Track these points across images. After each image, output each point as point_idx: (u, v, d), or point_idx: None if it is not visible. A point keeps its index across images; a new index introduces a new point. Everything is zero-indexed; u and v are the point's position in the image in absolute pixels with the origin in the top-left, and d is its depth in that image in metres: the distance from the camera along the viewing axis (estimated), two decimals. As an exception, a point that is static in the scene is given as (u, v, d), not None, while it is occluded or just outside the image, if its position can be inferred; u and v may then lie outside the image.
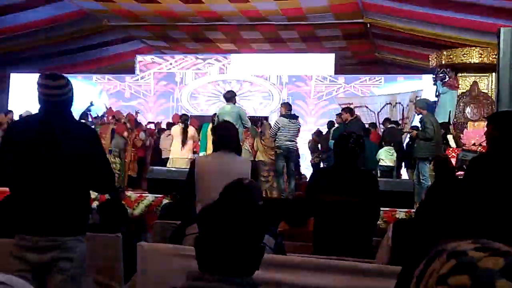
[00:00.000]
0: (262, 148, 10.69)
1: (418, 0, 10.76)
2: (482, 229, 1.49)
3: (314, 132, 13.42)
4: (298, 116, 9.88)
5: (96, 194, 6.90)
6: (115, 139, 11.16)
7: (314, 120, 15.70)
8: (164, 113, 16.44)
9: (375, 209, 4.02)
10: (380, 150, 10.80)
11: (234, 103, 9.39)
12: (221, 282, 1.55)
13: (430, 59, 12.38)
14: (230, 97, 9.39)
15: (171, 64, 17.22)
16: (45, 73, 3.17)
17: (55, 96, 3.02)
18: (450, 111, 11.10)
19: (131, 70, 17.40)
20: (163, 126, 13.40)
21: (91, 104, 13.16)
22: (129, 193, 9.05)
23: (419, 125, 9.58)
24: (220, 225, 1.59)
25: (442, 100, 11.40)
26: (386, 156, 10.64)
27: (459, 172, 8.10)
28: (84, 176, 3.03)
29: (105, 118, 12.55)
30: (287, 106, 9.82)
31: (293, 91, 16.22)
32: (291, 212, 5.22)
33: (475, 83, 11.68)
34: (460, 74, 11.77)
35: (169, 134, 11.84)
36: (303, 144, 12.82)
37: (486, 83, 11.66)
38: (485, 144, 6.50)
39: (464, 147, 9.59)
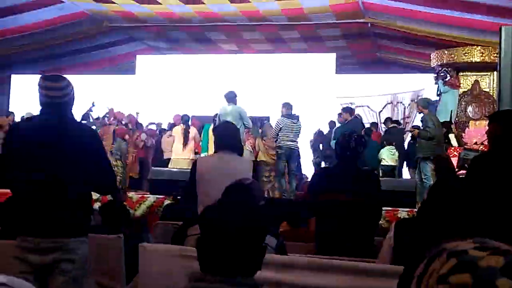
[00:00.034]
0: (264, 148, 10.69)
1: (419, -1, 10.75)
2: (484, 229, 1.49)
3: (316, 132, 13.42)
4: (299, 116, 9.88)
5: (98, 195, 6.90)
6: (116, 142, 11.17)
7: (315, 120, 15.69)
8: (165, 114, 16.42)
9: (377, 208, 4.02)
10: (382, 150, 10.81)
11: (235, 104, 9.39)
12: (222, 283, 1.55)
13: (431, 58, 12.37)
14: (231, 97, 9.39)
15: (171, 64, 17.22)
16: (46, 75, 3.17)
17: (56, 97, 3.03)
18: (451, 110, 11.10)
19: (132, 71, 17.41)
20: (164, 126, 13.40)
21: (93, 105, 13.15)
22: (130, 194, 9.06)
23: (420, 124, 9.58)
24: (221, 226, 1.59)
25: (444, 99, 11.40)
26: (387, 156, 10.65)
27: (461, 171, 8.10)
28: (86, 177, 3.03)
29: (106, 119, 12.55)
30: (288, 106, 9.82)
31: (294, 91, 16.20)
32: (293, 212, 5.22)
33: (476, 82, 11.67)
34: (461, 73, 11.76)
35: (171, 135, 11.84)
36: (304, 144, 12.81)
37: (488, 82, 11.64)
38: (486, 143, 6.49)
39: (466, 146, 9.59)
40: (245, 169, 4.10)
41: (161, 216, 7.01)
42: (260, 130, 11.21)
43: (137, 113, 13.22)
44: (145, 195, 9.00)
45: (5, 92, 17.53)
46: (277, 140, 9.63)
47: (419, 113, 9.96)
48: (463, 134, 10.32)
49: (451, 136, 10.21)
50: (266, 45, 16.55)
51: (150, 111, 15.43)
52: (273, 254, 2.95)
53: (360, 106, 14.34)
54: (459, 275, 0.82)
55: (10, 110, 15.22)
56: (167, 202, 8.22)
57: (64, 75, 3.23)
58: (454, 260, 0.84)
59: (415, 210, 7.63)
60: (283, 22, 14.20)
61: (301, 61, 16.48)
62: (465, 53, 11.58)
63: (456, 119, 11.30)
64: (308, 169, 13.07)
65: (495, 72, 10.36)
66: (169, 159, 11.47)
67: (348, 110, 10.50)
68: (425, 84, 14.52)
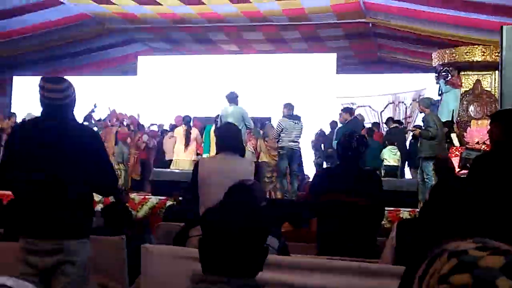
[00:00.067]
0: (266, 149, 10.69)
1: (420, -1, 10.75)
2: (485, 229, 1.49)
3: (317, 132, 13.42)
4: (300, 117, 9.88)
5: (100, 197, 6.91)
6: (118, 146, 11.17)
7: (316, 120, 15.69)
8: (166, 115, 16.44)
9: (380, 209, 4.01)
10: (384, 150, 10.81)
11: (237, 104, 9.39)
12: (224, 284, 1.55)
13: (432, 57, 12.36)
14: (232, 98, 9.39)
15: (173, 65, 17.23)
16: (47, 76, 3.17)
17: (57, 99, 3.03)
18: (453, 110, 11.09)
19: (133, 72, 17.42)
20: (166, 128, 13.41)
21: (94, 107, 13.17)
22: (133, 195, 9.07)
23: (422, 124, 9.57)
24: (223, 227, 1.59)
25: (445, 98, 11.38)
26: (389, 156, 10.64)
27: (463, 171, 8.10)
28: (87, 179, 3.03)
29: (108, 121, 12.56)
30: (289, 106, 9.82)
31: (296, 91, 16.20)
32: (295, 212, 5.22)
33: (478, 81, 11.65)
34: (463, 73, 11.74)
35: (172, 136, 11.84)
36: (306, 145, 12.81)
37: (489, 81, 11.63)
38: (488, 142, 6.48)
39: (467, 146, 9.58)
40: (247, 170, 4.10)
41: (163, 217, 7.02)
42: (261, 131, 11.21)
43: (138, 115, 13.23)
44: (147, 196, 9.01)
45: (6, 94, 17.55)
46: (278, 141, 9.64)
47: (421, 112, 9.96)
48: (465, 134, 10.31)
49: (453, 136, 10.20)
50: (267, 45, 16.55)
51: (151, 112, 15.44)
52: (275, 255, 2.95)
53: (361, 106, 14.34)
54: (459, 275, 0.82)
55: (12, 111, 15.24)
56: (169, 203, 8.23)
57: (66, 77, 3.23)
58: (455, 260, 0.85)
59: (417, 210, 7.62)
60: (284, 22, 14.20)
61: (302, 61, 16.48)
62: (467, 52, 11.56)
63: (458, 118, 11.28)
64: (309, 170, 13.07)
65: (496, 71, 10.35)
66: (170, 160, 11.48)
67: (348, 110, 10.51)
68: (426, 84, 14.51)
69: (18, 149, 3.07)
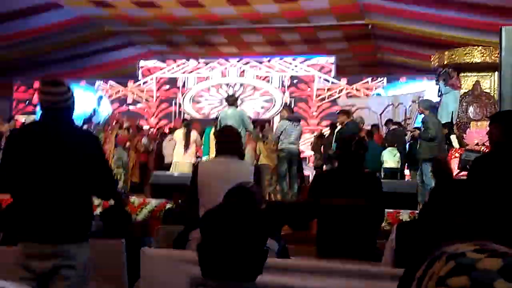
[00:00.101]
0: (265, 151, 10.69)
1: (419, 0, 10.75)
2: (486, 231, 1.49)
3: (317, 134, 13.42)
4: (300, 119, 9.88)
5: (100, 200, 6.89)
6: (117, 150, 11.17)
7: (316, 122, 15.70)
8: (166, 118, 16.47)
9: (379, 211, 4.01)
10: (383, 152, 10.79)
11: (236, 107, 9.40)
12: (224, 287, 1.54)
13: (432, 59, 12.35)
14: (232, 101, 9.40)
15: (173, 68, 17.26)
16: (47, 80, 3.17)
17: (57, 102, 3.03)
18: (452, 111, 11.08)
19: (133, 75, 17.43)
20: (166, 130, 13.41)
21: (94, 112, 13.22)
22: (132, 198, 9.05)
23: (421, 125, 9.58)
24: (222, 230, 1.59)
25: (445, 100, 11.38)
26: (389, 158, 10.63)
27: (463, 172, 8.09)
28: (86, 183, 3.03)
29: (108, 124, 12.56)
30: (289, 109, 9.83)
31: (295, 93, 16.23)
32: (294, 215, 5.21)
33: (477, 82, 11.64)
34: (462, 74, 11.73)
35: (172, 139, 11.84)
36: (306, 147, 12.83)
37: (489, 83, 11.61)
38: (488, 144, 6.48)
39: (467, 147, 9.57)
40: (247, 172, 4.10)
41: (162, 220, 7.01)
42: (260, 134, 11.21)
43: (138, 118, 13.24)
44: (147, 200, 8.99)
45: (7, 97, 17.56)
46: (278, 143, 9.64)
47: (420, 114, 9.96)
48: (464, 135, 10.30)
49: (453, 137, 10.19)
50: (267, 47, 16.57)
51: (151, 115, 15.46)
52: (275, 258, 2.95)
53: (361, 108, 14.32)
54: (457, 277, 0.82)
55: (12, 115, 15.26)
56: (168, 206, 8.22)
57: (66, 80, 3.23)
58: (453, 263, 0.85)
59: (417, 211, 7.62)
60: (284, 24, 14.22)
61: (301, 63, 16.50)
62: (466, 53, 11.55)
63: (457, 120, 11.27)
64: (309, 172, 13.07)
65: (496, 73, 10.34)
66: (170, 163, 11.47)
67: (345, 112, 10.52)
68: (426, 86, 14.51)
69: (17, 153, 3.06)
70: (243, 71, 16.65)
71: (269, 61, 16.71)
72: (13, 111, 16.73)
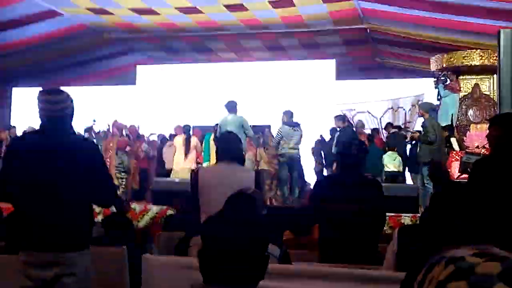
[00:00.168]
0: (266, 157, 10.70)
1: (417, 4, 10.76)
2: (486, 235, 1.49)
3: (317, 139, 13.41)
4: (300, 124, 9.89)
5: (100, 208, 6.89)
6: (117, 155, 11.18)
7: (316, 127, 15.69)
8: (166, 124, 16.46)
9: (381, 216, 4.01)
10: (384, 156, 10.80)
11: (236, 113, 9.40)
12: (225, 293, 1.54)
13: (431, 62, 12.38)
14: (231, 107, 9.40)
15: (172, 74, 17.27)
16: (45, 89, 3.18)
17: (55, 111, 3.03)
18: (452, 114, 11.10)
19: (132, 82, 17.45)
20: (166, 137, 13.40)
21: (94, 122, 13.26)
22: (133, 205, 9.05)
23: (421, 129, 9.59)
24: (223, 236, 1.59)
25: (444, 103, 11.40)
26: (388, 161, 10.63)
27: (463, 175, 8.09)
28: (86, 191, 3.03)
29: (110, 131, 12.56)
30: (289, 114, 9.84)
31: (295, 98, 16.22)
32: (296, 220, 5.21)
33: (476, 85, 11.66)
34: (461, 77, 11.76)
35: (172, 145, 11.84)
36: (306, 152, 12.80)
37: (488, 85, 11.64)
38: (488, 146, 6.49)
39: (467, 150, 9.58)
40: (247, 178, 4.10)
41: (163, 227, 7.01)
42: (261, 140, 11.22)
43: (138, 126, 13.24)
44: (148, 206, 8.99)
45: (6, 106, 17.57)
46: (278, 148, 9.64)
47: (420, 116, 9.98)
48: (465, 138, 10.32)
49: (453, 140, 10.20)
50: (266, 53, 16.59)
51: (151, 122, 15.46)
52: (276, 264, 2.94)
53: (361, 112, 14.34)
54: (456, 282, 0.82)
55: (11, 123, 15.27)
56: (169, 212, 8.22)
57: (65, 88, 3.23)
58: (452, 267, 0.85)
59: (418, 215, 7.61)
60: (282, 29, 14.25)
61: (301, 68, 16.52)
62: (465, 56, 11.58)
63: (457, 123, 11.29)
64: (310, 177, 13.06)
65: (495, 75, 10.37)
66: (170, 170, 11.47)
67: (341, 118, 10.54)
68: (425, 89, 14.53)
69: (17, 162, 3.06)
70: (243, 76, 16.65)
71: (268, 66, 16.72)
72: (12, 120, 16.74)
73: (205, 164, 10.83)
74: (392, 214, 7.51)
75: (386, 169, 10.63)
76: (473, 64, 11.45)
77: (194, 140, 11.49)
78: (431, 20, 11.32)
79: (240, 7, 12.59)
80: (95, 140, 10.67)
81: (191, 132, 11.78)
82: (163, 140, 13.28)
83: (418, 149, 9.42)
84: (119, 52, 16.66)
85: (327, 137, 12.77)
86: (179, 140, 11.52)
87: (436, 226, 1.64)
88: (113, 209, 6.27)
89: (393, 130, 11.95)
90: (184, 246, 3.34)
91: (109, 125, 12.64)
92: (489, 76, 11.54)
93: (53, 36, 14.04)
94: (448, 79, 11.58)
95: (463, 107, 11.50)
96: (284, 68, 16.65)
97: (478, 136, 9.68)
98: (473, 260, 0.84)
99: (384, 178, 10.42)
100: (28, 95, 16.13)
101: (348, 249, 3.72)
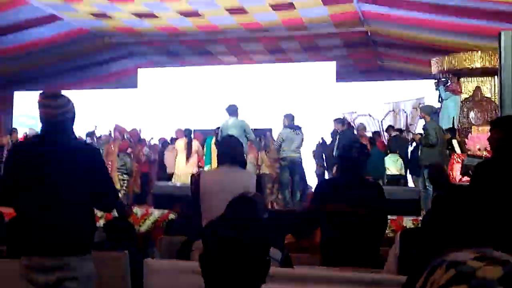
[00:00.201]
0: (267, 161, 10.69)
1: (418, 6, 10.77)
2: (488, 238, 1.48)
3: (318, 142, 13.41)
4: (301, 127, 9.88)
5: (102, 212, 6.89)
6: (120, 157, 11.18)
7: (317, 130, 15.69)
8: (167, 128, 16.47)
9: (382, 219, 4.00)
10: (385, 158, 10.79)
11: (237, 117, 9.40)
12: (227, 298, 1.54)
13: (432, 64, 12.38)
14: (232, 111, 9.40)
15: (173, 78, 17.28)
16: (46, 93, 3.18)
17: (56, 115, 3.03)
18: (453, 117, 11.09)
19: (133, 85, 17.46)
20: (167, 141, 13.40)
21: (96, 127, 13.29)
22: (135, 209, 9.04)
23: (422, 131, 9.59)
24: (224, 240, 1.58)
25: (445, 105, 11.39)
26: (390, 164, 10.62)
27: (465, 178, 8.08)
28: (87, 195, 3.03)
29: (111, 135, 12.57)
30: (290, 117, 9.83)
31: (296, 101, 16.23)
32: (298, 224, 5.20)
33: (477, 87, 11.64)
34: (462, 79, 11.74)
35: (173, 149, 11.84)
36: (308, 155, 12.80)
37: (489, 87, 11.62)
38: (490, 149, 6.47)
39: (469, 153, 9.57)
40: (249, 182, 4.10)
41: (165, 231, 7.00)
42: (262, 143, 11.22)
43: (140, 129, 13.24)
44: (150, 210, 8.99)
45: (8, 110, 17.60)
46: (280, 152, 9.64)
47: (421, 118, 9.98)
48: (466, 141, 10.30)
49: (454, 143, 10.19)
50: (267, 56, 16.61)
51: (152, 125, 15.46)
52: (278, 267, 2.94)
53: (362, 115, 14.34)
54: (457, 286, 0.82)
55: (13, 127, 15.27)
56: (171, 216, 8.22)
57: (66, 92, 3.24)
58: (453, 271, 0.85)
59: (420, 218, 7.60)
60: (283, 32, 14.26)
61: (301, 71, 16.52)
62: (466, 58, 11.56)
63: (459, 125, 11.27)
64: (311, 180, 13.05)
65: (496, 77, 10.35)
66: (172, 174, 11.46)
67: (340, 121, 10.54)
68: (426, 91, 14.53)
69: (18, 166, 3.07)
70: (244, 80, 16.66)
71: (269, 69, 16.73)
72: (13, 124, 16.76)
73: (206, 168, 10.83)
74: (394, 217, 7.49)
75: (387, 172, 10.61)
76: (474, 66, 11.44)
77: (195, 144, 11.48)
78: (432, 22, 11.33)
79: (240, 10, 12.61)
80: (96, 145, 10.67)
81: (192, 136, 11.77)
82: (164, 144, 13.28)
83: (419, 152, 9.41)
84: (120, 56, 16.68)
85: (328, 140, 12.76)
86: (181, 144, 11.52)
87: (437, 229, 1.63)
88: (115, 213, 6.27)
89: (394, 133, 11.94)
90: (186, 251, 3.33)
91: (110, 130, 12.65)
92: (490, 78, 11.53)
93: (54, 41, 14.06)
94: (449, 82, 11.57)
95: (465, 109, 11.49)
96: (284, 71, 16.65)
97: (479, 139, 9.66)
98: (474, 264, 0.84)
99: (386, 181, 10.40)
100: (29, 99, 16.19)
101: (350, 253, 3.71)
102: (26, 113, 17.06)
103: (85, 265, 3.01)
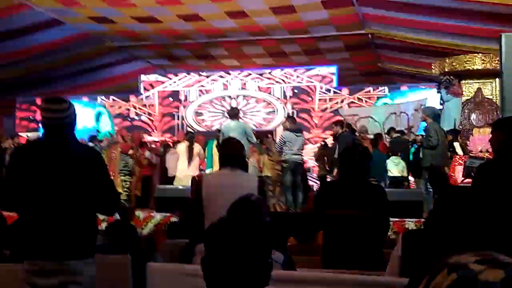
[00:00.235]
0: (269, 163, 10.69)
1: (418, 9, 10.77)
2: (490, 240, 1.48)
3: (320, 144, 13.40)
4: (302, 130, 9.89)
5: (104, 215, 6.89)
6: (121, 158, 11.17)
7: (319, 133, 15.70)
8: (169, 132, 16.50)
9: (385, 221, 3.99)
10: (387, 161, 10.77)
11: (238, 120, 9.42)
12: (230, 301, 1.54)
13: (433, 67, 12.38)
14: (234, 114, 9.42)
15: (174, 82, 17.30)
16: (47, 97, 3.18)
17: (58, 119, 3.04)
18: (455, 119, 11.09)
19: (135, 90, 17.49)
20: (169, 143, 13.40)
21: (98, 132, 13.29)
22: (137, 212, 9.04)
23: (424, 134, 9.59)
24: (227, 243, 1.58)
25: (447, 107, 11.40)
26: (392, 166, 10.60)
27: (467, 180, 8.08)
28: (89, 199, 3.03)
29: (113, 139, 12.57)
30: (291, 119, 9.85)
31: (297, 104, 16.25)
32: (300, 227, 5.20)
33: (479, 89, 11.65)
34: (463, 81, 11.75)
35: (175, 152, 11.84)
36: (310, 157, 12.81)
37: (490, 89, 11.63)
38: (491, 151, 6.47)
39: (471, 154, 9.57)
40: (251, 184, 4.10)
41: (167, 234, 7.00)
42: (264, 146, 11.22)
43: (142, 133, 13.25)
44: (152, 213, 8.99)
45: (10, 115, 17.62)
46: (281, 154, 9.64)
47: (423, 121, 9.97)
48: (468, 142, 10.30)
49: (456, 145, 10.18)
50: (268, 59, 16.62)
51: (154, 129, 15.48)
52: (281, 270, 2.94)
53: (363, 118, 14.32)
54: None
55: (15, 132, 15.30)
56: (173, 219, 8.22)
57: (68, 96, 3.25)
58: (455, 275, 0.84)
59: (423, 220, 7.59)
60: (284, 36, 14.27)
61: (303, 74, 16.53)
62: (467, 61, 11.57)
63: (460, 127, 11.28)
64: (313, 182, 13.05)
65: (497, 79, 10.36)
66: (173, 177, 11.46)
67: (339, 124, 10.54)
68: (427, 94, 14.52)
69: (20, 170, 3.07)
70: (245, 83, 16.68)
71: (270, 72, 16.74)
72: (16, 129, 16.79)
73: (208, 171, 10.83)
74: (396, 219, 7.48)
75: (389, 174, 10.59)
76: (475, 68, 11.45)
77: (197, 147, 11.48)
78: (432, 25, 11.33)
79: (241, 14, 12.63)
80: (99, 149, 10.67)
81: (194, 139, 11.78)
82: (166, 147, 13.29)
83: (421, 153, 9.41)
84: (122, 60, 16.70)
85: (330, 143, 12.76)
86: (182, 147, 11.52)
87: (439, 231, 1.63)
88: (117, 216, 6.28)
89: (395, 135, 11.93)
90: (188, 254, 3.34)
91: (110, 134, 12.66)
92: (491, 80, 11.53)
93: (56, 45, 14.09)
94: (450, 84, 11.57)
95: (466, 111, 11.49)
96: (286, 74, 16.66)
97: (481, 140, 9.66)
98: (476, 267, 0.84)
99: (387, 183, 10.39)
100: (32, 104, 16.23)
101: (352, 255, 3.71)
102: (29, 117, 17.12)
103: (88, 270, 3.01)
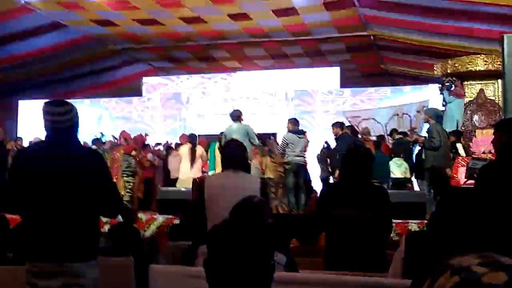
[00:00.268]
0: (272, 165, 10.68)
1: (420, 10, 10.78)
2: (492, 241, 1.48)
3: (323, 146, 13.39)
4: (305, 131, 9.90)
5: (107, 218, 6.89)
6: (124, 159, 11.18)
7: (322, 134, 15.69)
8: (172, 134, 16.51)
9: (387, 223, 3.99)
10: (390, 162, 10.77)
11: (241, 122, 9.43)
12: (232, 303, 1.54)
13: (435, 68, 12.36)
14: (236, 116, 9.43)
15: (177, 84, 17.32)
16: (50, 100, 3.19)
17: (60, 122, 3.04)
18: (457, 120, 11.07)
19: (137, 92, 17.51)
20: (171, 146, 13.40)
21: (102, 135, 13.30)
22: (140, 214, 9.05)
23: (426, 135, 9.58)
24: (230, 245, 1.58)
25: (449, 109, 11.38)
26: (394, 168, 10.60)
27: (470, 181, 8.06)
28: (92, 201, 3.04)
29: (117, 140, 12.58)
30: (294, 121, 9.85)
31: (300, 106, 16.25)
32: (302, 228, 5.19)
33: (481, 90, 11.62)
34: (466, 82, 11.73)
35: (177, 154, 11.84)
36: (312, 159, 12.76)
37: (492, 90, 11.60)
38: (494, 152, 6.46)
39: (473, 156, 9.55)
40: (253, 186, 4.11)
41: (169, 236, 7.00)
42: (266, 148, 11.21)
43: (146, 135, 13.25)
44: (154, 216, 8.99)
45: (13, 118, 17.65)
46: (284, 156, 9.65)
47: (426, 122, 9.96)
48: (471, 144, 10.28)
49: (459, 146, 10.17)
50: (270, 61, 16.63)
51: (157, 131, 15.50)
52: (283, 272, 2.94)
53: (366, 119, 14.32)
54: None
55: (18, 135, 15.33)
56: (176, 221, 8.22)
57: (71, 99, 3.25)
58: (457, 278, 0.84)
59: (426, 221, 7.59)
60: (286, 38, 14.29)
61: (305, 76, 16.54)
62: (469, 62, 11.55)
63: (463, 128, 11.26)
64: (316, 184, 13.03)
65: (499, 80, 10.34)
66: (176, 179, 11.46)
67: (339, 125, 10.54)
68: (430, 95, 14.51)
69: (23, 173, 3.08)
70: (247, 85, 16.69)
71: (272, 74, 16.75)
72: (19, 131, 16.82)
73: (210, 173, 10.83)
74: (400, 220, 7.48)
75: (392, 175, 10.58)
76: (477, 69, 11.43)
77: (199, 149, 11.48)
78: (434, 26, 11.33)
79: (243, 16, 12.65)
80: (102, 152, 10.67)
81: (196, 141, 11.78)
82: (168, 149, 13.29)
83: (423, 155, 9.40)
84: (124, 63, 16.74)
85: (333, 144, 12.74)
86: (185, 149, 11.53)
87: (442, 232, 1.63)
88: (120, 218, 6.28)
89: (398, 136, 11.92)
90: (190, 256, 3.34)
91: (113, 136, 12.66)
92: (493, 81, 11.51)
93: (58, 48, 14.12)
94: (453, 85, 11.55)
95: (468, 112, 11.47)
96: (288, 75, 16.67)
97: (484, 142, 9.64)
98: (479, 270, 0.84)
99: (390, 185, 10.38)
100: (34, 107, 16.25)
101: (355, 257, 3.71)
102: (31, 120, 17.13)
103: (91, 272, 3.01)
